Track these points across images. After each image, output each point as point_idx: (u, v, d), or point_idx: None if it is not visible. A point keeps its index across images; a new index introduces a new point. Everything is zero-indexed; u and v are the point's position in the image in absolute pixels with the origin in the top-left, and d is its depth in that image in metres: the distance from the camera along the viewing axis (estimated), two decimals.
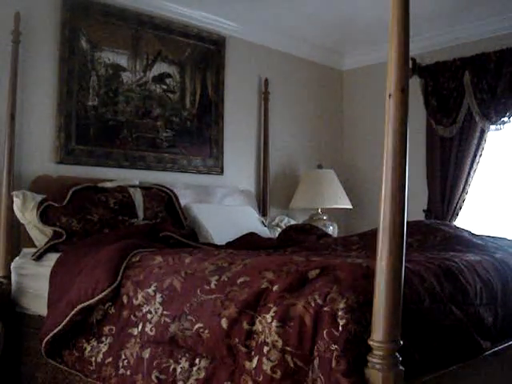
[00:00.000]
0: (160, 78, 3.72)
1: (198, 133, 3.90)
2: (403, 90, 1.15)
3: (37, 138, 3.14)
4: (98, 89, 3.40)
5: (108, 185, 3.03)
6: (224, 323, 1.58)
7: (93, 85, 3.37)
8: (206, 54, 3.98)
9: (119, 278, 1.95)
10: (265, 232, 3.26)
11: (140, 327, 1.86)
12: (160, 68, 3.72)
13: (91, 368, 1.98)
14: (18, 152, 2.93)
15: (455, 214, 4.14)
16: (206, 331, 1.63)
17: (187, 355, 1.68)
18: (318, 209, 4.21)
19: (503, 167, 4.07)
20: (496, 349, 1.83)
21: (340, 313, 1.37)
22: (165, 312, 1.80)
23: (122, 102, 3.51)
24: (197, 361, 1.65)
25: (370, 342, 1.31)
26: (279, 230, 3.51)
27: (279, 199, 4.37)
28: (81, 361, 2.03)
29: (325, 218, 4.18)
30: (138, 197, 3.00)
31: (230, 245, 2.66)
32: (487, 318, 1.85)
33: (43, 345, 2.10)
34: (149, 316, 1.85)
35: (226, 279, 1.70)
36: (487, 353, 1.77)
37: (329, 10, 3.92)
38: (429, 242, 2.30)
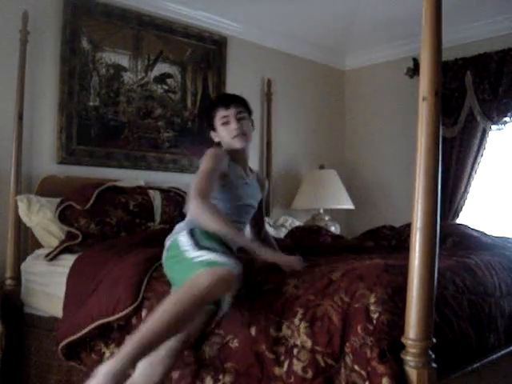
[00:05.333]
0: (161, 79, 3.70)
1: (199, 133, 3.88)
2: (437, 94, 1.15)
3: (38, 138, 3.11)
4: (100, 89, 3.38)
5: (124, 184, 2.98)
6: (253, 331, 1.56)
7: (94, 85, 3.36)
8: (207, 54, 3.96)
9: (140, 296, 1.91)
10: (271, 232, 3.25)
11: None
12: (161, 68, 3.70)
13: None
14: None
15: (456, 214, 4.15)
16: (235, 341, 1.61)
17: (212, 373, 1.65)
18: (320, 209, 4.20)
19: (505, 167, 4.08)
20: None
21: (372, 307, 1.41)
22: None
23: (123, 102, 3.49)
24: (220, 376, 1.62)
25: (404, 340, 1.32)
26: (284, 230, 3.49)
27: (281, 199, 4.36)
28: (100, 364, 1.99)
29: (327, 218, 4.17)
30: (157, 200, 2.95)
31: None
32: (508, 309, 1.88)
33: (60, 349, 2.09)
34: None
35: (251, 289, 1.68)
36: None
37: (330, 9, 3.91)
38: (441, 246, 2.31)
